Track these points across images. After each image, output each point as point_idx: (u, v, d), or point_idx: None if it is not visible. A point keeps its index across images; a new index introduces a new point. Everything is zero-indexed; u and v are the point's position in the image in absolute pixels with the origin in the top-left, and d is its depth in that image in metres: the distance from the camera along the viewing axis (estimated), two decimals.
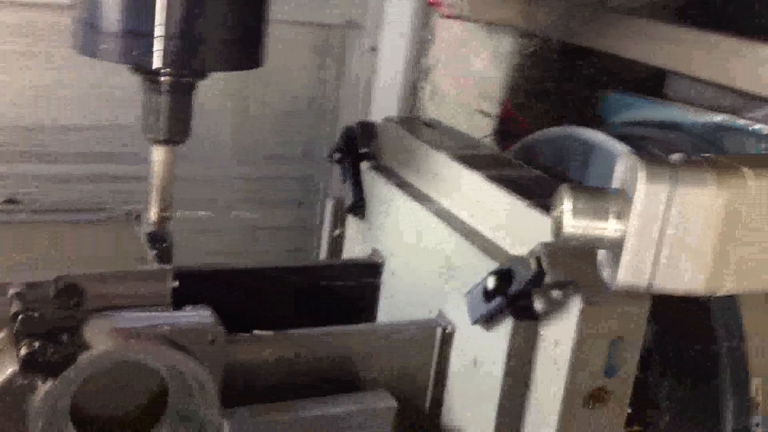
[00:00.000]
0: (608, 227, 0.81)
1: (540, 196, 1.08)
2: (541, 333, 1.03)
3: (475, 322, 1.05)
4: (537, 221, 1.05)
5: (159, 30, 0.97)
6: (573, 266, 0.96)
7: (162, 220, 1.14)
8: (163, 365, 0.95)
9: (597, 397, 1.01)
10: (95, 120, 1.74)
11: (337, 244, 1.50)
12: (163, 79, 1.05)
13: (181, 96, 1.08)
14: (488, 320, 1.04)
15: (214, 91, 1.68)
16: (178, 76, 1.05)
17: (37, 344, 0.86)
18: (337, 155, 1.44)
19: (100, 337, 0.90)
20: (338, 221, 1.49)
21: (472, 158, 1.25)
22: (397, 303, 1.32)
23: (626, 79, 1.74)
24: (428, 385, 1.17)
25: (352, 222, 1.47)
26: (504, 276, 1.00)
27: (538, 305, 1.01)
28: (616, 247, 0.81)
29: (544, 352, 1.03)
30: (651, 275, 0.80)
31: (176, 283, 0.98)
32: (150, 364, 0.95)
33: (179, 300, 0.98)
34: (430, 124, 1.48)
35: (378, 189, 1.39)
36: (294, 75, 1.90)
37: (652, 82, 1.68)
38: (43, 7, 1.62)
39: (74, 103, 1.72)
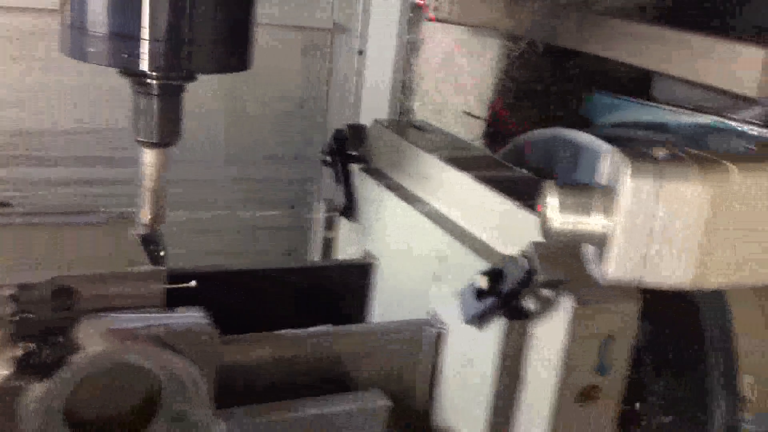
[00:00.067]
0: (596, 223, 0.82)
1: (530, 197, 1.08)
2: (533, 332, 1.04)
3: (467, 322, 1.05)
4: (527, 221, 1.06)
5: (146, 32, 0.97)
6: (564, 266, 0.97)
7: (154, 223, 1.14)
8: (157, 366, 0.95)
9: (589, 395, 1.02)
10: (93, 123, 1.73)
11: (329, 245, 1.50)
12: (151, 81, 1.05)
13: (170, 98, 1.08)
14: (480, 320, 1.04)
15: (207, 92, 1.69)
16: (167, 79, 1.05)
17: (32, 346, 0.86)
18: (328, 158, 1.45)
19: (94, 339, 0.90)
20: (330, 223, 1.49)
21: (462, 160, 1.26)
22: (389, 303, 1.33)
23: (614, 81, 1.75)
24: (421, 385, 1.18)
25: (344, 224, 1.47)
26: (496, 276, 1.01)
27: (530, 305, 1.01)
28: (603, 242, 0.82)
29: (536, 351, 1.04)
30: (639, 269, 0.81)
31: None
32: (144, 365, 0.95)
33: (174, 301, 0.98)
34: (420, 126, 1.49)
35: (369, 191, 1.39)
36: (284, 77, 1.91)
37: (640, 84, 1.69)
38: (41, 11, 1.62)
39: (71, 106, 1.72)
